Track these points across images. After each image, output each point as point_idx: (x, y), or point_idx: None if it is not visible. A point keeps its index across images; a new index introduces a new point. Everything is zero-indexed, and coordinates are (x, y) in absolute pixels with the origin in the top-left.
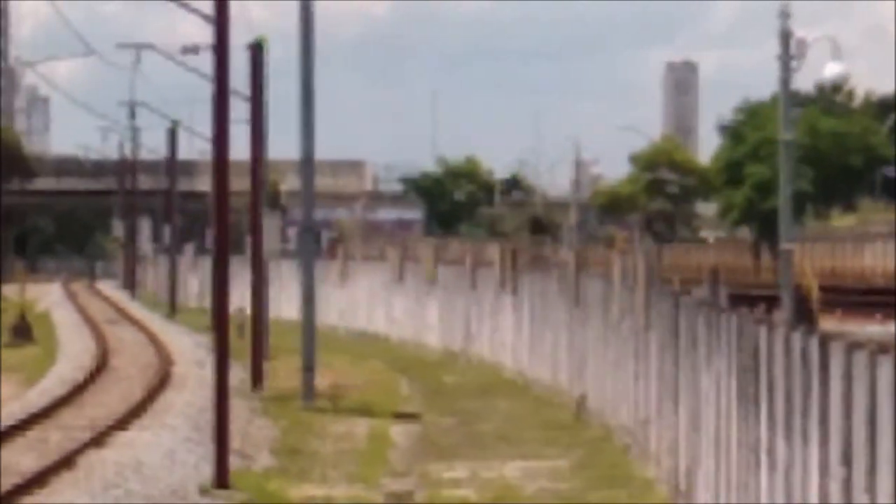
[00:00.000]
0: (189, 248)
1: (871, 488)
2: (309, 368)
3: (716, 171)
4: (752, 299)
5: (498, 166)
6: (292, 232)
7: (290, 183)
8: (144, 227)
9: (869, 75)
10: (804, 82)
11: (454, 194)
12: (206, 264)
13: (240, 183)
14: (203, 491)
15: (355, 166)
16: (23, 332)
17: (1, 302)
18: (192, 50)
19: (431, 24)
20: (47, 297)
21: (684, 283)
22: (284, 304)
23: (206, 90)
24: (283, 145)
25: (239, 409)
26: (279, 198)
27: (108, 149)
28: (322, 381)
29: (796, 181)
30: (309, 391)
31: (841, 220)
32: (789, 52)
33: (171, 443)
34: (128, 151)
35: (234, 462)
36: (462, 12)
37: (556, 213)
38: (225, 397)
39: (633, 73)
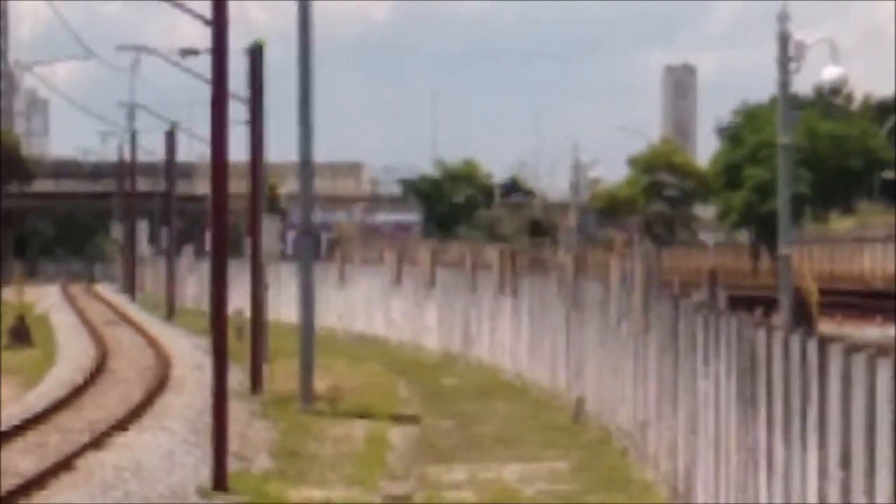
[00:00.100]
0: (188, 251)
1: (870, 491)
2: (307, 371)
3: (714, 174)
4: (750, 302)
5: (497, 168)
6: (291, 235)
7: (288, 186)
8: (143, 229)
9: (867, 78)
10: (803, 85)
11: (453, 197)
12: (205, 267)
13: (238, 185)
14: (202, 493)
15: (354, 169)
16: (21, 334)
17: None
18: (191, 52)
19: (430, 26)
20: (46, 299)
21: (683, 285)
22: (283, 306)
23: (205, 92)
24: (281, 148)
25: (237, 411)
26: (278, 200)
27: (107, 151)
28: (321, 383)
29: (795, 184)
30: (307, 394)
31: (840, 223)
32: (788, 54)
33: (169, 445)
34: (127, 154)
35: (232, 464)
36: (461, 13)
37: (555, 215)
38: (223, 400)
39: (632, 75)
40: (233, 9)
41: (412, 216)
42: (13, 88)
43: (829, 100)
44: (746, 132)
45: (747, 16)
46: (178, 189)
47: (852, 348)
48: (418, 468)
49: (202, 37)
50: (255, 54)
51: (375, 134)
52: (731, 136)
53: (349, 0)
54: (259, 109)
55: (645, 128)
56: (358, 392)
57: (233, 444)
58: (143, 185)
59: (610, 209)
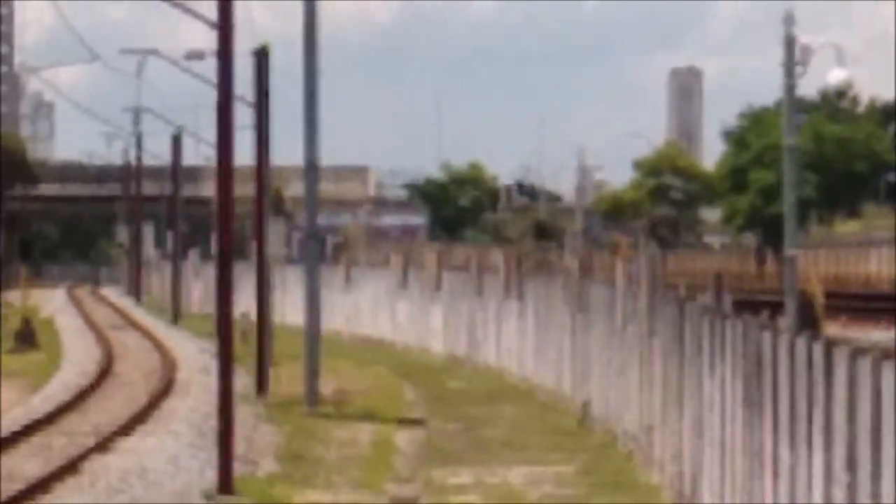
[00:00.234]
0: (193, 254)
1: (876, 494)
2: (313, 374)
3: (720, 177)
4: (756, 305)
5: (502, 171)
6: (297, 238)
7: (294, 189)
8: (148, 232)
9: (872, 82)
10: (808, 88)
11: (458, 200)
12: (211, 270)
13: (244, 189)
14: (207, 497)
15: (359, 172)
16: (27, 337)
17: (5, 308)
18: (197, 56)
19: (435, 29)
20: (51, 302)
21: (689, 289)
22: (289, 309)
23: (211, 96)
24: (287, 151)
25: (243, 414)
26: (283, 203)
27: (113, 154)
28: (326, 386)
29: (800, 187)
30: (313, 397)
31: (845, 226)
32: (793, 58)
33: (175, 449)
34: (132, 157)
35: (238, 468)
36: (466, 17)
37: (561, 218)
38: (229, 403)
39: (638, 78)
40: (239, 12)
41: (418, 219)
42: (19, 92)
43: (834, 103)
44: (752, 135)
45: (753, 19)
46: (183, 192)
47: (858, 351)
48: (424, 471)
49: (207, 42)
50: (261, 57)
51: (381, 137)
52: (737, 139)
53: (355, 1)
54: (265, 112)
55: (650, 131)
56: (364, 395)
57: (238, 448)
58: (148, 188)
59: (615, 212)
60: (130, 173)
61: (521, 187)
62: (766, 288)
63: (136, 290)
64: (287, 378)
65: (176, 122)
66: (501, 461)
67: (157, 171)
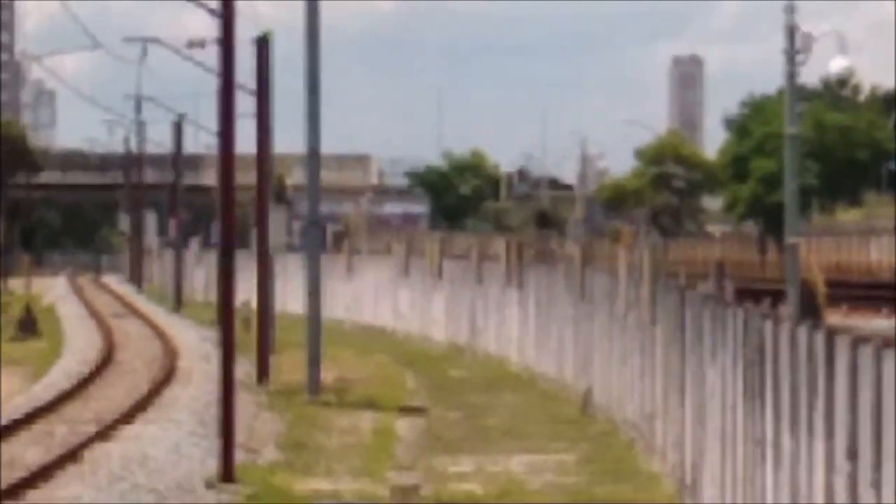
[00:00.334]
0: (195, 242)
1: (877, 483)
2: (314, 362)
3: (722, 166)
4: (757, 294)
5: (504, 161)
6: (298, 226)
7: (295, 177)
8: (150, 220)
9: (873, 70)
10: (810, 77)
11: (460, 188)
12: (212, 258)
13: (245, 177)
14: (209, 485)
15: (361, 160)
16: (28, 325)
17: (6, 296)
18: (199, 44)
19: (437, 19)
20: (53, 290)
21: (690, 277)
22: (290, 297)
23: (212, 84)
24: (288, 139)
25: (244, 402)
26: (285, 192)
27: (114, 142)
28: (328, 374)
29: (802, 175)
30: (314, 385)
31: (847, 215)
32: (795, 46)
33: (176, 436)
34: (134, 145)
35: (239, 456)
36: (468, 6)
37: (562, 207)
38: (231, 391)
39: (639, 67)
40: (240, 2)
41: (419, 207)
42: (20, 80)
43: (836, 91)
44: (754, 124)
45: (754, 7)
46: (185, 180)
47: (859, 340)
48: (425, 460)
49: (209, 30)
50: (263, 46)
51: (382, 127)
52: (739, 127)
53: None
54: (266, 100)
55: (652, 119)
56: (365, 383)
57: (240, 436)
58: (150, 176)
59: (617, 201)
60: (132, 161)
61: (523, 175)
62: (767, 276)
63: (137, 278)
64: (288, 366)
65: (178, 110)
66: (502, 449)
67: (159, 159)
